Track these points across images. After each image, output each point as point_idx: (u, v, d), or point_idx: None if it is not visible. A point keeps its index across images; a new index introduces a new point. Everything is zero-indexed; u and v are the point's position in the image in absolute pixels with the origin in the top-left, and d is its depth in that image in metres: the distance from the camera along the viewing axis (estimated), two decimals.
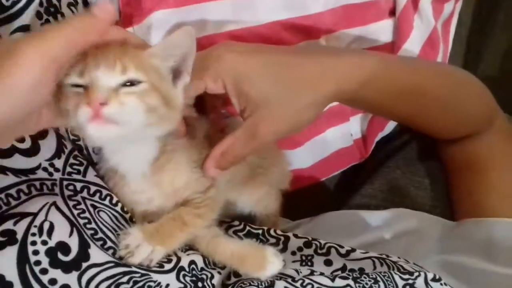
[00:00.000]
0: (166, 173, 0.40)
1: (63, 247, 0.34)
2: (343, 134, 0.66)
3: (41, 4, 0.42)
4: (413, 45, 0.65)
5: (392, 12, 0.66)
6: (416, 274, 0.40)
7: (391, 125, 0.69)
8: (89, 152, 0.43)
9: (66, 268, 0.34)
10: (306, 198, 0.63)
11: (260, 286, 0.39)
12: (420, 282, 0.40)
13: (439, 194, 0.59)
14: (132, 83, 0.34)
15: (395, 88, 0.47)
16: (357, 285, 0.39)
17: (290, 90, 0.41)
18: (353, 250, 0.44)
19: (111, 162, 0.40)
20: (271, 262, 0.41)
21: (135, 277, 0.36)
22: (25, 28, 0.40)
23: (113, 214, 0.40)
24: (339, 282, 0.39)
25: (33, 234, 0.34)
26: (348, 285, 0.39)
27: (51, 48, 0.30)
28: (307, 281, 0.39)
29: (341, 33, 0.62)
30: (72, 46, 0.31)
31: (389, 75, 0.46)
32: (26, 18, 0.40)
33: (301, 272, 0.42)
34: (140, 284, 0.36)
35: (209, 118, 0.47)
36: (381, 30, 0.65)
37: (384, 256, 0.44)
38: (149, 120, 0.35)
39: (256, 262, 0.41)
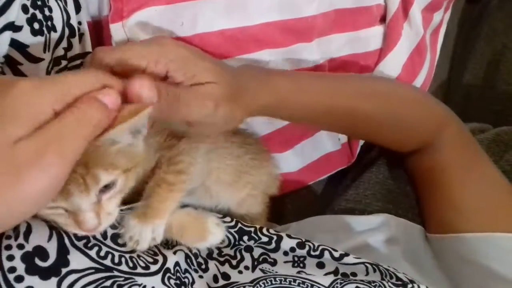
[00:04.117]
0: None
1: (41, 252, 0.33)
2: (332, 138, 0.66)
3: None
4: (399, 52, 0.66)
5: (383, 19, 0.66)
6: (409, 286, 0.40)
7: None
8: None
9: (44, 274, 0.32)
10: (293, 202, 0.63)
11: None
12: None
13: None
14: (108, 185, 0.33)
15: (309, 107, 0.50)
16: None
17: (227, 84, 0.41)
18: (346, 254, 0.44)
19: None
20: (212, 232, 0.41)
21: (118, 281, 0.35)
22: (11, 26, 0.39)
23: None
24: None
25: (8, 237, 0.32)
26: None
27: (73, 151, 0.29)
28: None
29: (332, 37, 0.62)
30: (88, 141, 0.30)
31: (301, 96, 0.49)
32: (11, 15, 0.38)
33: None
34: (125, 287, 0.35)
35: None
36: (372, 36, 0.65)
37: (376, 263, 0.44)
38: None
39: (196, 232, 0.41)
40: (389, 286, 0.39)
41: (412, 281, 0.40)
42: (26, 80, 0.29)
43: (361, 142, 0.69)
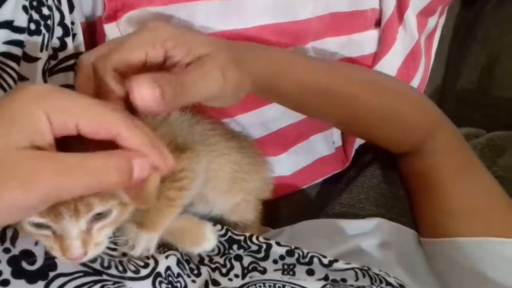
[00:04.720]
0: None
1: (29, 255, 0.32)
2: (326, 141, 0.66)
3: None
4: (394, 56, 0.66)
5: (378, 23, 0.66)
6: None
7: None
8: None
9: (31, 278, 0.32)
10: (287, 206, 0.63)
11: None
12: None
13: None
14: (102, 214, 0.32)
15: (308, 85, 0.49)
16: None
17: (227, 51, 0.40)
18: (335, 260, 0.44)
19: None
20: (208, 238, 0.42)
21: (107, 284, 0.34)
22: (8, 24, 0.38)
23: None
24: None
25: None
26: None
27: (66, 188, 0.27)
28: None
29: (327, 41, 0.61)
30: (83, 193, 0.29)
31: (301, 71, 0.48)
32: (6, 12, 0.38)
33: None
34: None
35: None
36: (367, 40, 0.65)
37: (366, 268, 0.44)
38: None
39: (194, 237, 0.42)
40: None
41: (402, 286, 0.40)
42: (36, 85, 0.28)
43: (356, 145, 0.69)
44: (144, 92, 0.32)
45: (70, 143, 0.29)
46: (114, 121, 0.29)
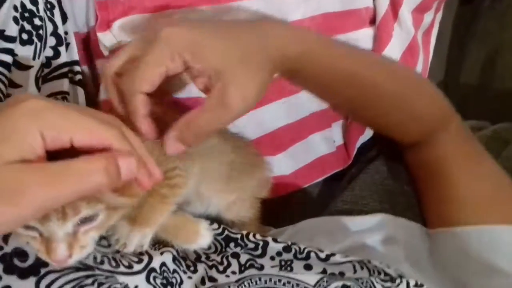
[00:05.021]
0: None
1: (21, 253, 0.33)
2: (326, 140, 0.65)
3: (15, 9, 0.42)
4: (391, 53, 0.66)
5: (373, 21, 0.66)
6: (398, 281, 0.39)
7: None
8: None
9: (23, 273, 0.32)
10: (289, 205, 0.62)
11: None
12: None
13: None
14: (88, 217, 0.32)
15: (334, 68, 0.48)
16: None
17: (243, 51, 0.39)
18: (332, 254, 0.43)
19: None
20: (203, 235, 0.42)
21: (99, 279, 0.34)
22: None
23: None
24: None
25: None
26: None
27: (56, 197, 0.28)
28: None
29: None
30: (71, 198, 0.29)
31: (328, 53, 0.47)
32: None
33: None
34: (106, 285, 0.34)
35: None
36: (361, 38, 0.65)
37: (365, 261, 0.43)
38: None
39: (188, 234, 0.42)
40: (377, 281, 0.39)
41: (401, 276, 0.40)
42: (30, 101, 0.29)
43: (358, 144, 0.68)
44: (169, 146, 0.38)
45: (62, 151, 0.29)
46: (107, 136, 0.30)
